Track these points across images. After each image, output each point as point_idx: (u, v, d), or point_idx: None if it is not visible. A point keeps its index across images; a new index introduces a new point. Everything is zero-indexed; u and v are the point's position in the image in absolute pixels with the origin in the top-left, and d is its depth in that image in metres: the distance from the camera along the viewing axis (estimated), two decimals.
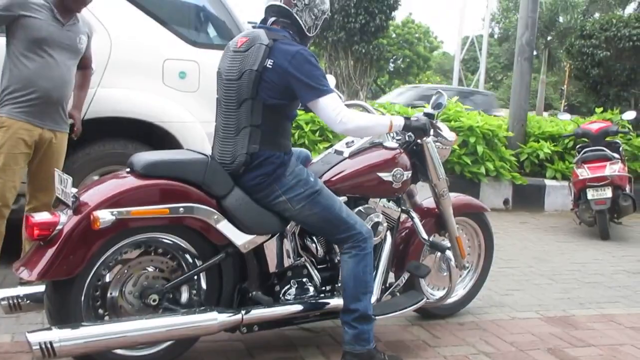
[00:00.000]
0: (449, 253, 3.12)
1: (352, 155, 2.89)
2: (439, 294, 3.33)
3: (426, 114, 2.95)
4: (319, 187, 2.56)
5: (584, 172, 6.28)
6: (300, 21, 2.55)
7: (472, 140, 7.36)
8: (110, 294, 2.40)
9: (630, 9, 29.49)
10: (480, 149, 7.35)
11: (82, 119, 3.65)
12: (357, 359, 2.50)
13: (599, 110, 8.52)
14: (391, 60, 39.70)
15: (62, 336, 2.08)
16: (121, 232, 2.29)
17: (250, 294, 2.58)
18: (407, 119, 2.72)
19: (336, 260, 2.81)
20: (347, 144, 2.98)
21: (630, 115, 7.30)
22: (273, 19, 2.58)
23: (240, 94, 2.47)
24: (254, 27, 2.71)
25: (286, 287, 2.70)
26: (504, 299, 3.95)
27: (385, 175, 2.85)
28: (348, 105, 2.82)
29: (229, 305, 2.55)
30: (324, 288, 2.80)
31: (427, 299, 3.15)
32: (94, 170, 3.76)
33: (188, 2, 4.36)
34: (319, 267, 2.81)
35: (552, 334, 3.32)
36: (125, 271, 2.42)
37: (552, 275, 4.69)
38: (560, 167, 7.80)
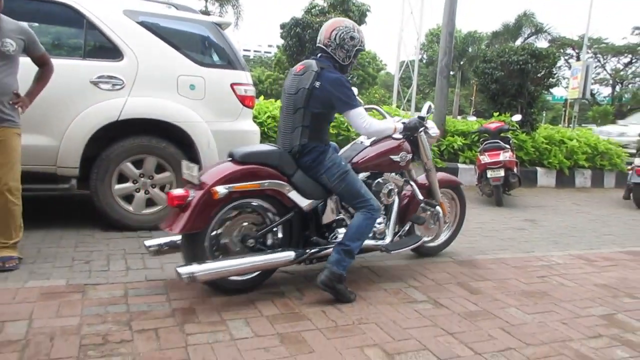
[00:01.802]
0: (438, 208, 3.46)
1: (372, 144, 3.17)
2: (428, 239, 3.64)
3: (419, 117, 3.23)
4: (347, 169, 2.82)
5: (485, 158, 6.35)
6: (335, 56, 2.81)
7: None
8: (222, 240, 2.69)
9: (518, 42, 29.88)
10: None
11: (119, 119, 3.59)
12: (332, 275, 2.67)
13: (496, 114, 8.58)
14: (349, 77, 39.46)
15: (200, 269, 2.42)
16: (229, 199, 2.57)
17: (311, 239, 2.88)
18: (404, 123, 3.13)
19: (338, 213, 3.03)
20: (361, 142, 3.27)
21: (517, 117, 7.38)
22: (320, 53, 2.83)
23: (296, 104, 2.74)
24: (309, 59, 2.92)
25: (332, 234, 2.97)
26: None
27: (395, 157, 3.18)
28: (367, 109, 3.27)
29: (297, 246, 2.82)
30: (332, 234, 2.99)
31: (423, 239, 3.47)
32: (127, 157, 3.70)
33: (196, 32, 4.26)
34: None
35: (462, 273, 3.35)
36: (231, 225, 2.71)
37: (462, 231, 4.69)
38: (469, 155, 7.86)
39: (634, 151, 9.27)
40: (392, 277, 3.16)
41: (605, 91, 51.43)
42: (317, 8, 24.11)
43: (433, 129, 3.39)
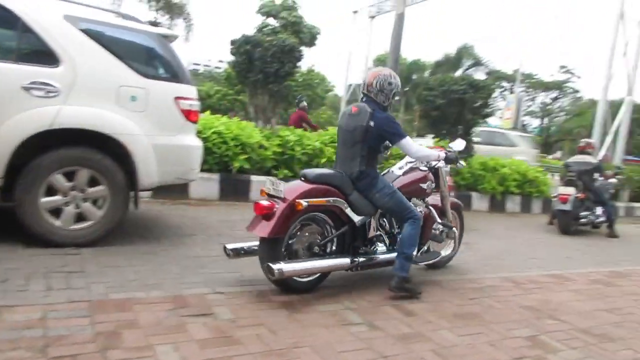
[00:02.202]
0: (454, 229, 4.09)
1: (404, 174, 3.74)
2: (444, 253, 4.19)
3: (457, 151, 3.93)
4: (395, 189, 3.41)
5: None
6: (376, 99, 3.35)
7: None
8: (294, 247, 3.17)
9: (459, 72, 31.36)
10: None
11: (51, 128, 3.37)
12: (401, 279, 3.28)
13: (437, 140, 8.90)
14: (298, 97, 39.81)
15: (287, 266, 2.93)
16: (303, 212, 3.05)
17: (360, 250, 3.41)
18: (447, 153, 3.77)
19: (394, 233, 3.62)
20: (399, 167, 3.84)
21: (460, 144, 7.67)
22: (365, 97, 3.40)
23: (354, 138, 3.29)
24: (362, 100, 3.44)
25: (372, 246, 3.51)
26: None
27: (423, 185, 3.77)
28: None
29: (347, 255, 3.33)
30: (390, 249, 3.57)
31: (442, 255, 4.06)
32: (58, 169, 3.46)
33: (141, 43, 4.10)
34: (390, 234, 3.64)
35: (397, 295, 3.32)
36: (301, 234, 3.20)
37: None
38: None
39: None
40: (329, 298, 3.13)
41: (535, 122, 54.97)
42: (268, 27, 24.26)
43: (461, 163, 4.09)
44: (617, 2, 11.65)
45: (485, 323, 3.03)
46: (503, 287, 3.91)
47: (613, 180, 8.65)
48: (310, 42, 26.14)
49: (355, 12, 24.31)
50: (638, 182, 11.51)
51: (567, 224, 7.35)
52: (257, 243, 3.16)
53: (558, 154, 47.57)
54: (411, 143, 3.37)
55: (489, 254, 5.19)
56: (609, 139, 12.46)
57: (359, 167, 3.29)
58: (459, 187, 8.34)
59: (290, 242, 3.14)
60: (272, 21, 25.21)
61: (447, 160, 3.75)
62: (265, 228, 2.95)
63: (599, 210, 7.80)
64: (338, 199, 3.19)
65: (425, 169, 3.82)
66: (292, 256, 3.14)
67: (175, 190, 5.82)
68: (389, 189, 3.36)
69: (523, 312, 3.33)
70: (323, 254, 3.27)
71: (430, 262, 3.89)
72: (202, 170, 6.25)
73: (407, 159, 3.84)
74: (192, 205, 5.87)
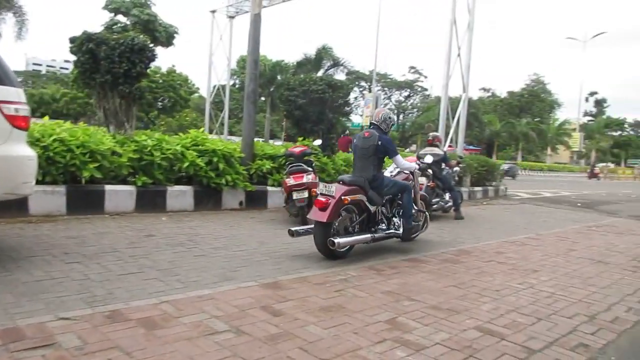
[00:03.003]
0: (426, 213, 5.90)
1: (394, 176, 5.64)
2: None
3: (427, 164, 6.75)
4: (394, 180, 5.29)
5: (290, 181, 6.62)
6: (381, 127, 5.15)
7: (215, 159, 7.29)
8: (337, 228, 4.67)
9: (320, 73, 32.59)
10: (221, 165, 7.31)
11: None
12: (408, 229, 5.24)
13: (300, 138, 9.10)
14: (159, 100, 37.93)
15: (341, 240, 4.52)
16: (344, 205, 4.61)
17: (372, 228, 5.04)
18: (419, 164, 6.05)
19: (390, 217, 5.33)
20: (390, 172, 5.80)
21: (318, 142, 7.97)
22: (373, 125, 5.18)
23: (368, 153, 4.95)
24: (370, 127, 5.27)
25: (379, 226, 5.18)
26: (234, 274, 3.91)
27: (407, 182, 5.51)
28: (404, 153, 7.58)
29: (367, 232, 4.96)
30: (392, 226, 5.30)
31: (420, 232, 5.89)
32: None
33: None
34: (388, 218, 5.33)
35: (265, 295, 3.36)
36: (341, 219, 4.71)
37: (269, 253, 4.79)
38: (277, 178, 8.13)
39: None
40: (194, 309, 2.99)
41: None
42: (118, 25, 22.58)
43: (456, 169, 6.38)
44: (450, 10, 13.14)
45: (350, 313, 3.15)
46: (366, 275, 4.13)
47: (457, 168, 9.72)
48: (168, 42, 24.98)
49: (213, 11, 23.76)
50: (476, 169, 13.12)
51: None
52: (311, 227, 4.73)
53: (414, 147, 52.21)
54: (400, 158, 5.23)
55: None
56: (451, 132, 14.00)
57: (372, 172, 4.94)
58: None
59: (334, 225, 4.61)
60: (122, 19, 23.49)
61: (421, 169, 5.98)
62: (323, 216, 4.43)
63: (447, 196, 8.71)
64: (362, 195, 4.81)
65: (407, 173, 5.63)
66: (335, 235, 4.60)
67: (11, 207, 5.12)
68: (391, 182, 5.20)
69: (383, 297, 3.55)
70: (352, 232, 4.84)
71: (415, 235, 5.69)
72: (45, 182, 5.60)
73: (393, 166, 5.82)
74: (33, 223, 5.20)
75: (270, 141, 28.67)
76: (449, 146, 13.93)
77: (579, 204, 13.34)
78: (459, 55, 13.61)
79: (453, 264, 4.84)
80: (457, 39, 13.50)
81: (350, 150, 11.32)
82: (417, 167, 5.66)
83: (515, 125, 49.98)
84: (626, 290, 4.25)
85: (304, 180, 6.56)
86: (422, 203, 5.84)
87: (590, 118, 71.98)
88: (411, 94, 59.04)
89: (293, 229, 4.74)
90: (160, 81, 37.19)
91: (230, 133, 35.78)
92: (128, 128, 7.27)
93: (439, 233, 6.88)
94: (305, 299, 3.35)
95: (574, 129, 57.02)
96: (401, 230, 5.22)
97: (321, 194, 4.58)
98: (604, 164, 56.74)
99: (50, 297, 3.02)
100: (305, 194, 6.53)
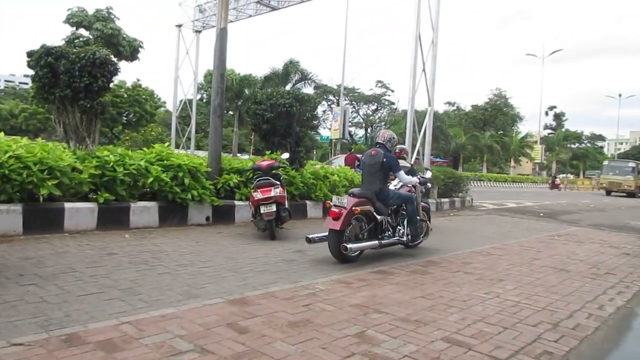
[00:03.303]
0: (428, 222, 6.66)
1: (398, 189, 6.17)
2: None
3: (425, 178, 6.73)
4: (398, 193, 5.92)
5: (258, 194, 6.55)
6: (386, 146, 5.80)
7: (180, 174, 7.16)
8: (348, 235, 5.25)
9: (289, 87, 32.71)
10: (187, 180, 7.18)
11: None
12: (415, 235, 5.97)
13: (268, 152, 9.04)
14: (124, 115, 37.18)
15: (352, 245, 5.13)
16: (354, 214, 5.28)
17: (380, 235, 5.66)
18: (419, 179, 6.33)
19: (394, 226, 5.97)
20: (394, 186, 6.30)
21: (285, 155, 7.93)
22: (379, 145, 5.79)
23: (375, 169, 5.59)
24: (377, 146, 5.85)
25: (386, 234, 5.79)
26: (200, 291, 3.82)
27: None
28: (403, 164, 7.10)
29: (375, 239, 5.58)
30: (397, 233, 5.95)
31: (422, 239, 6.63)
32: None
33: None
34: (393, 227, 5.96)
35: (231, 312, 3.29)
36: (352, 228, 5.34)
37: (236, 268, 4.71)
38: (245, 192, 8.05)
39: None
40: (156, 329, 2.89)
41: (361, 132, 60.30)
42: (80, 39, 22.09)
43: (429, 184, 7.35)
44: (414, 27, 13.45)
45: (318, 327, 3.12)
46: (334, 289, 4.11)
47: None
48: (132, 56, 24.57)
49: (179, 26, 23.59)
50: (443, 181, 13.35)
51: None
52: (325, 234, 5.31)
53: None
54: (403, 173, 5.85)
55: (322, 259, 5.41)
56: (418, 144, 14.23)
57: (379, 186, 5.59)
58: (292, 197, 8.61)
59: (346, 233, 5.21)
60: (85, 33, 23.01)
61: (421, 183, 6.35)
62: (336, 224, 5.10)
63: None
64: (370, 206, 5.49)
65: (410, 186, 6.21)
66: (347, 241, 5.18)
67: None
68: (396, 194, 5.87)
69: (352, 310, 3.53)
70: (362, 239, 5.46)
71: (416, 243, 6.29)
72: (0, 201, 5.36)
73: (397, 180, 6.27)
74: None
75: (238, 155, 28.53)
76: (416, 158, 14.14)
77: (541, 214, 13.73)
78: (424, 70, 13.91)
79: (421, 275, 4.87)
80: (422, 54, 13.81)
81: (356, 166, 11.87)
82: (418, 181, 6.18)
83: (479, 138, 51.32)
84: (587, 297, 4.37)
85: (272, 194, 6.51)
86: (423, 213, 6.58)
87: (550, 131, 74.71)
88: (379, 108, 59.90)
89: (310, 236, 5.36)
90: (125, 96, 36.49)
91: (198, 147, 35.38)
92: (90, 143, 7.05)
93: None
94: (272, 315, 3.30)
95: (536, 142, 59.06)
96: (405, 238, 5.91)
97: (334, 205, 5.25)
98: (564, 175, 59.01)
99: (2, 321, 2.87)
100: (273, 208, 6.48)
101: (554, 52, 55.41)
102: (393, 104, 58.52)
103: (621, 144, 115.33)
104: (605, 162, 40.62)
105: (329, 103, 52.98)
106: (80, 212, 6.08)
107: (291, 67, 35.49)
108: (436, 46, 14.21)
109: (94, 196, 6.30)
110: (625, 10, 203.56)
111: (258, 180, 6.83)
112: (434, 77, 14.21)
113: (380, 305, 3.71)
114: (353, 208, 5.19)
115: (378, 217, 5.54)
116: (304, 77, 36.80)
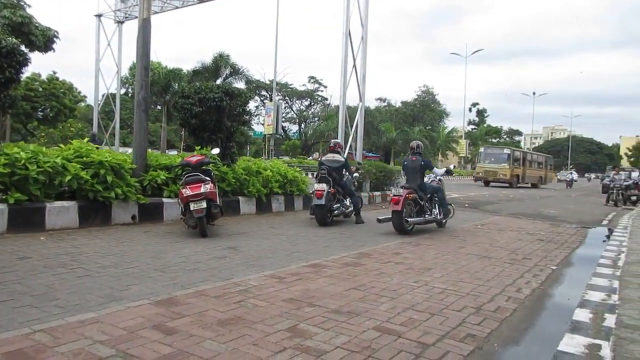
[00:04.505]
0: (451, 205, 9.10)
1: (430, 182, 8.46)
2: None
3: (447, 168, 11.56)
4: (432, 185, 8.36)
5: (187, 191, 6.34)
6: (420, 153, 8.19)
7: (102, 171, 6.76)
8: (404, 214, 7.62)
9: (219, 81, 31.99)
10: (109, 178, 6.80)
11: None
12: (444, 215, 8.48)
13: (198, 147, 8.79)
14: (39, 109, 34.63)
15: (412, 220, 7.74)
16: (407, 199, 7.63)
17: (422, 215, 7.92)
18: (446, 170, 10.23)
19: (430, 208, 8.26)
20: (430, 179, 8.49)
21: (216, 151, 7.73)
22: (414, 151, 8.16)
23: (415, 170, 7.94)
24: (413, 154, 8.20)
25: (425, 214, 8.02)
26: (123, 294, 3.62)
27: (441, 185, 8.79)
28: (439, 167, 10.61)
29: (421, 216, 7.97)
30: (432, 214, 8.23)
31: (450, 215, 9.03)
32: None
33: None
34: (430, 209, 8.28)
35: (158, 314, 3.15)
36: (407, 208, 7.69)
37: (164, 268, 4.52)
38: (173, 189, 7.76)
39: None
40: (74, 335, 2.70)
41: (294, 128, 60.39)
42: None
43: (357, 174, 10.25)
44: (344, 23, 13.60)
45: (250, 324, 3.06)
46: (267, 284, 4.06)
47: (356, 174, 10.04)
48: (46, 46, 22.87)
49: (99, 15, 22.26)
50: (375, 175, 13.68)
51: (324, 216, 8.19)
52: (389, 216, 7.56)
53: (316, 154, 53.04)
54: (437, 169, 8.58)
55: (255, 255, 5.35)
56: (350, 139, 14.46)
57: (419, 181, 7.88)
58: (224, 193, 8.43)
59: (404, 213, 7.40)
60: None
61: (447, 172, 9.32)
62: (398, 207, 7.35)
63: (347, 201, 8.94)
64: (415, 194, 7.68)
65: (437, 180, 8.59)
66: (406, 217, 7.51)
67: None
68: (430, 186, 8.16)
69: (285, 305, 3.51)
70: (412, 217, 7.65)
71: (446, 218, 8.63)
72: None
73: (431, 175, 8.54)
74: None
75: (167, 151, 27.52)
76: (349, 153, 14.37)
77: (466, 205, 14.47)
78: (354, 66, 14.12)
79: (354, 267, 4.95)
80: (352, 50, 14.01)
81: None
82: (444, 172, 9.13)
83: (409, 133, 53.10)
84: (506, 281, 4.65)
85: (202, 190, 6.33)
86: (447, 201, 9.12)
87: (473, 126, 79.00)
88: (312, 103, 60.26)
89: (381, 217, 7.89)
90: (40, 89, 34.02)
91: (124, 144, 33.69)
92: None
93: (340, 237, 7.02)
94: (202, 314, 3.20)
95: (461, 137, 62.16)
96: (440, 217, 8.31)
97: (394, 194, 7.82)
98: (453, 166, 62.51)
99: None
100: (204, 204, 6.30)
101: (476, 51, 58.48)
102: (326, 99, 59.11)
103: (536, 138, 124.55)
104: (482, 149, 34.06)
105: (262, 98, 52.54)
106: None
107: (221, 61, 34.71)
108: (366, 42, 14.47)
109: (4, 197, 5.80)
110: (545, 16, 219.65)
111: (187, 177, 6.60)
112: (365, 73, 14.48)
113: (313, 298, 3.72)
114: (407, 195, 7.50)
115: (421, 202, 7.82)
116: (235, 72, 36.14)
